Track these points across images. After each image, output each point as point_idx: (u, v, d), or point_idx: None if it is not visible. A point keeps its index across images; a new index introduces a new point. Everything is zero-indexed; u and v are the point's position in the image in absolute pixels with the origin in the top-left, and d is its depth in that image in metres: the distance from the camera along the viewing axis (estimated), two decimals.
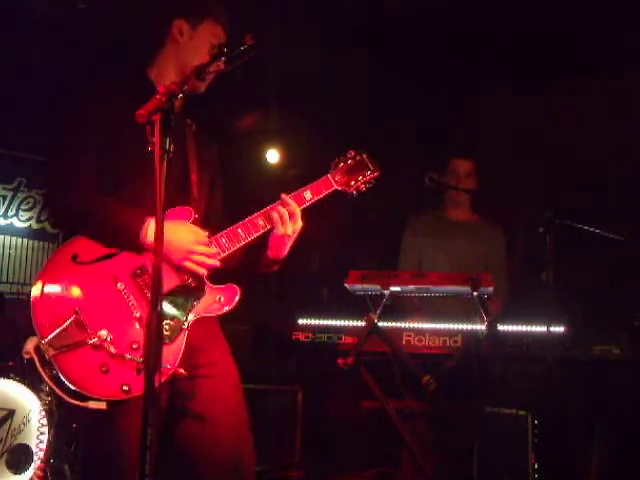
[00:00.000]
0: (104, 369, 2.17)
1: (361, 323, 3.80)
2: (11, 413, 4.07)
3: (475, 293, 3.61)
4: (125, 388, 2.18)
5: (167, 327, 2.26)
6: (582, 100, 4.82)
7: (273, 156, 6.50)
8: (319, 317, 4.04)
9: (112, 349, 2.18)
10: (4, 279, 6.00)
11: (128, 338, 2.22)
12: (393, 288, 3.74)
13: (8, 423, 4.05)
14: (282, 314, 4.47)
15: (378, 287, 3.74)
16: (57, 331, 2.15)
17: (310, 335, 3.99)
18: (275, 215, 2.44)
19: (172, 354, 2.26)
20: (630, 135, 4.63)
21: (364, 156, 2.70)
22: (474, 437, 3.69)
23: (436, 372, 3.56)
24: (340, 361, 3.65)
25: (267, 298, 4.86)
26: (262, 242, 2.49)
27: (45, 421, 4.02)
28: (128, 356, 2.19)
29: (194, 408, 2.39)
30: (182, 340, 2.29)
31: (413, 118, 5.54)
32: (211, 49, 2.48)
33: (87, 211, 2.32)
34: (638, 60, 4.56)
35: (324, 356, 3.97)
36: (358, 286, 3.80)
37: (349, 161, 2.67)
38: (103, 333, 2.18)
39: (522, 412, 3.64)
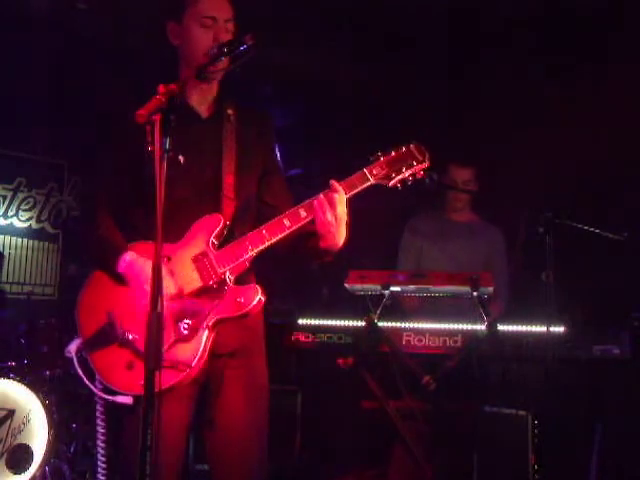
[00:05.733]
0: (128, 365, 2.31)
1: (361, 323, 3.80)
2: (11, 413, 4.07)
3: (475, 293, 3.62)
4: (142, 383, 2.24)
5: (186, 326, 2.32)
6: (582, 99, 4.83)
7: None
8: (319, 317, 4.04)
9: (136, 347, 2.30)
10: (4, 279, 6.00)
11: None
12: (393, 288, 3.74)
13: (8, 423, 4.05)
14: (282, 314, 4.47)
15: (378, 287, 3.74)
16: (94, 333, 2.37)
17: (310, 335, 4.00)
18: (315, 203, 2.37)
19: (191, 352, 2.31)
20: (630, 135, 4.63)
21: (411, 146, 2.47)
22: (474, 437, 3.69)
23: (436, 372, 3.56)
24: (340, 361, 3.65)
25: (267, 298, 4.84)
26: (315, 231, 2.41)
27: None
28: None
29: (219, 415, 2.44)
30: (201, 339, 2.32)
31: (413, 118, 5.54)
32: (206, 30, 2.41)
33: (86, 233, 2.54)
34: (638, 59, 4.56)
35: (324, 356, 3.97)
36: (358, 286, 3.80)
37: (392, 153, 2.46)
38: (129, 333, 2.33)
39: (522, 412, 3.64)
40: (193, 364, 2.29)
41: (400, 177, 2.46)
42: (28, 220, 6.42)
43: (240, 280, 2.42)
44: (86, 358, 2.36)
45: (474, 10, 4.82)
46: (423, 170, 2.49)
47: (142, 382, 2.17)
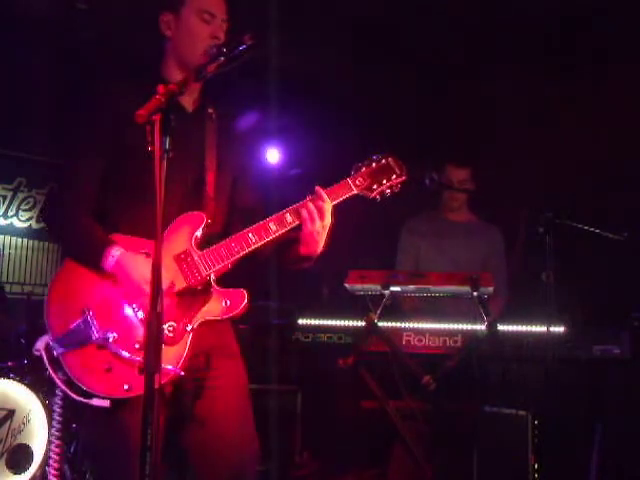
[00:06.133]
0: (107, 368, 2.21)
1: (361, 323, 3.80)
2: (11, 413, 4.07)
3: (475, 293, 3.62)
4: (126, 387, 2.20)
5: (171, 329, 2.27)
6: (582, 99, 4.83)
7: (273, 156, 6.51)
8: (319, 317, 4.04)
9: (115, 349, 2.22)
10: (4, 279, 6.00)
11: (132, 338, 2.24)
12: (393, 288, 3.74)
13: (8, 423, 4.04)
14: (282, 314, 4.47)
15: (378, 287, 3.74)
16: (66, 331, 2.22)
17: (310, 335, 3.99)
18: (304, 212, 2.40)
19: (175, 356, 2.27)
20: (630, 135, 4.63)
21: (389, 159, 2.58)
22: (474, 437, 3.69)
23: (436, 372, 3.56)
24: (340, 361, 3.65)
25: (267, 298, 4.85)
26: (295, 238, 2.44)
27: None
28: (128, 355, 2.21)
29: (198, 413, 2.39)
30: (186, 343, 2.30)
31: (414, 118, 5.54)
32: (205, 26, 2.40)
33: (65, 223, 2.39)
34: (637, 60, 4.57)
35: (324, 356, 3.97)
36: (358, 286, 3.80)
37: (373, 164, 2.56)
38: (108, 333, 2.22)
39: (522, 412, 3.63)
40: (178, 367, 2.26)
41: (380, 189, 2.55)
42: (28, 220, 6.41)
43: (219, 282, 2.39)
44: (57, 358, 2.21)
45: (474, 12, 4.82)
46: (401, 184, 2.59)
47: (125, 385, 2.19)
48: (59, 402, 2.27)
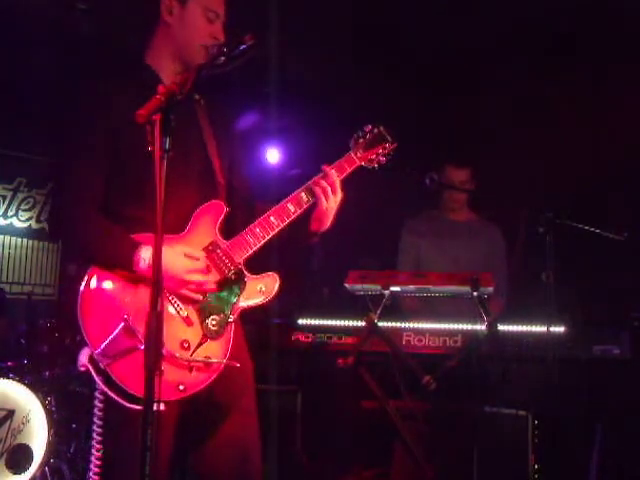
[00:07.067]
0: (158, 371, 2.16)
1: (361, 323, 3.80)
2: (11, 413, 4.07)
3: (475, 293, 3.61)
4: (181, 387, 2.20)
5: (214, 322, 2.29)
6: (582, 99, 4.83)
7: (273, 156, 6.51)
8: (319, 317, 4.04)
9: (163, 351, 2.13)
10: (4, 279, 6.01)
11: (178, 338, 2.23)
12: (393, 288, 3.74)
13: (8, 423, 4.04)
14: (282, 314, 4.47)
15: (378, 287, 3.74)
16: (108, 340, 2.16)
17: (310, 335, 3.99)
18: (317, 190, 2.46)
19: (221, 348, 2.30)
20: (630, 135, 4.63)
21: (381, 129, 2.74)
22: (474, 437, 3.69)
23: (436, 372, 3.56)
24: (340, 361, 3.65)
25: None
26: (305, 215, 2.49)
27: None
28: (178, 355, 2.21)
29: (212, 406, 2.38)
30: (230, 334, 2.32)
31: (413, 118, 5.53)
32: (208, 24, 2.40)
33: (79, 223, 2.32)
34: (637, 60, 4.57)
35: (324, 356, 3.97)
36: (358, 286, 3.80)
37: (367, 135, 2.70)
38: None
39: (522, 412, 3.63)
40: (225, 360, 2.27)
41: (378, 158, 2.70)
42: (28, 220, 6.42)
43: (252, 262, 2.42)
44: (104, 369, 2.14)
45: (474, 12, 4.82)
46: (393, 150, 2.76)
47: (180, 386, 2.19)
48: (99, 413, 2.17)
